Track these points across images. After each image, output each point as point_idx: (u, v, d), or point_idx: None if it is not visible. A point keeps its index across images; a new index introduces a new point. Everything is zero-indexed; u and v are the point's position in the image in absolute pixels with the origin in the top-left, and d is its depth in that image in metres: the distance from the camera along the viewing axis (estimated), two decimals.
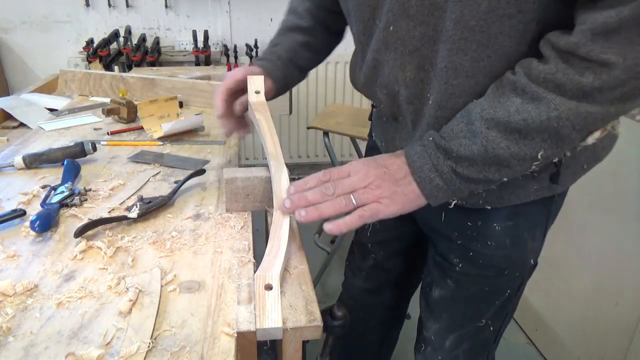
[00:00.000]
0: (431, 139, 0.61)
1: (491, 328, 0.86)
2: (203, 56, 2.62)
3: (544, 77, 0.52)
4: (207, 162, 0.99)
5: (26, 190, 0.84)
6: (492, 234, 0.73)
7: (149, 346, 0.51)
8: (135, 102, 1.21)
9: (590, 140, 0.58)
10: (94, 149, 0.98)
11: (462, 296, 0.82)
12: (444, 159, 0.60)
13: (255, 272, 0.61)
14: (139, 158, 1.00)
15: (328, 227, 0.63)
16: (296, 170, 3.00)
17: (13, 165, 0.92)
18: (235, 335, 0.53)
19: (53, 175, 0.91)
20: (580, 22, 0.49)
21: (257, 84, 0.96)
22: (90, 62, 2.50)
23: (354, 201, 0.62)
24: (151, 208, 0.77)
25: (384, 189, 0.62)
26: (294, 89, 2.32)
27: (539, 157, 0.56)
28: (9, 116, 1.27)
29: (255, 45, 2.74)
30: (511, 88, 0.55)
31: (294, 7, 0.94)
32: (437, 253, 0.83)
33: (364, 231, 0.97)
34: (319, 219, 0.63)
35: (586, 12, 0.49)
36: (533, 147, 0.55)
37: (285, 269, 0.65)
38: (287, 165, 0.77)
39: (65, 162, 0.90)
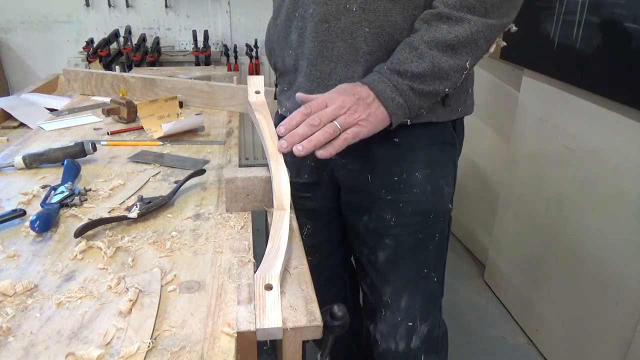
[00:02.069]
0: (385, 67, 0.75)
1: (435, 279, 0.98)
2: (203, 56, 2.62)
3: (460, 4, 0.72)
4: (207, 162, 0.99)
5: (26, 190, 0.84)
6: (416, 182, 0.87)
7: (149, 346, 0.50)
8: (135, 102, 1.21)
9: (492, 49, 0.78)
10: (94, 149, 0.98)
11: (401, 250, 0.93)
12: (402, 79, 0.73)
13: (255, 272, 0.61)
14: (139, 158, 1.00)
15: (320, 152, 0.71)
16: None
17: (13, 165, 0.92)
18: (235, 335, 0.53)
19: (53, 175, 0.91)
20: None
21: (257, 84, 0.96)
22: (90, 62, 2.50)
23: (338, 126, 0.71)
24: (151, 208, 0.77)
25: (360, 112, 0.72)
26: None
27: (467, 65, 0.75)
28: (9, 116, 1.27)
29: (255, 45, 2.74)
30: (436, 18, 0.73)
31: None
32: (372, 219, 0.92)
33: (301, 235, 1.07)
34: (315, 148, 0.71)
35: None
36: (462, 59, 0.74)
37: (285, 269, 0.65)
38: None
39: (65, 162, 0.90)
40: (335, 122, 0.71)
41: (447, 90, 0.76)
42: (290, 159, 1.01)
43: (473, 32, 0.72)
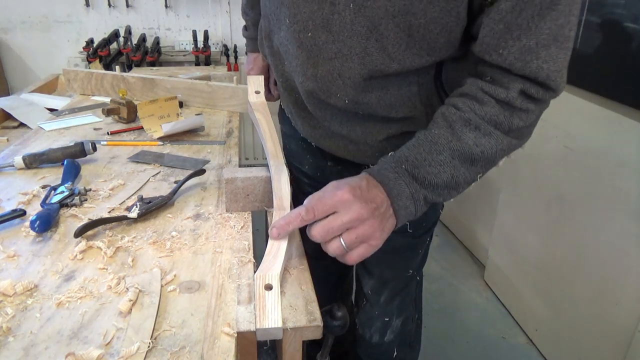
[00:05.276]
0: (403, 167, 0.64)
1: (418, 278, 1.00)
2: (203, 56, 2.62)
3: (489, 117, 0.64)
4: (207, 162, 0.99)
5: (26, 190, 0.84)
6: None
7: (149, 346, 0.51)
8: (135, 102, 1.21)
9: (501, 163, 0.72)
10: (94, 149, 0.98)
11: (390, 249, 0.87)
12: (419, 188, 0.64)
13: (255, 272, 0.61)
14: (139, 158, 1.00)
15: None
16: None
17: (13, 165, 0.92)
18: (235, 335, 0.53)
19: (53, 175, 0.91)
20: (511, 83, 0.63)
21: (257, 83, 0.96)
22: (90, 62, 2.50)
23: (344, 246, 0.60)
24: (151, 208, 0.77)
25: (375, 227, 0.61)
26: None
27: (478, 178, 0.68)
28: (9, 116, 1.27)
29: None
30: (463, 124, 0.65)
31: None
32: None
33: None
34: None
35: (516, 79, 0.63)
36: (476, 172, 0.67)
37: (285, 269, 0.65)
38: (286, 165, 0.77)
39: (65, 162, 0.90)
40: (341, 239, 0.60)
41: (451, 199, 0.70)
42: (292, 146, 1.02)
43: (497, 149, 0.65)
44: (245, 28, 1.11)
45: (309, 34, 0.70)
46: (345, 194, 0.60)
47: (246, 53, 1.17)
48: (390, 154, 0.68)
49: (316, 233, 0.60)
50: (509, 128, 0.65)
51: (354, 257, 0.61)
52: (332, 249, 0.60)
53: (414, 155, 0.65)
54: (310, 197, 0.62)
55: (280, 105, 1.03)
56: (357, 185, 0.61)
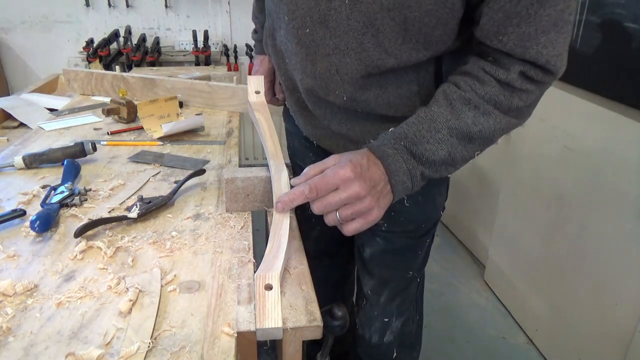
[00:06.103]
0: (402, 143, 0.66)
1: (418, 279, 1.00)
2: (203, 56, 2.62)
3: (489, 97, 0.65)
4: (207, 162, 0.99)
5: (26, 190, 0.84)
6: None
7: (149, 346, 0.51)
8: (135, 102, 1.21)
9: (499, 141, 0.73)
10: (94, 149, 0.98)
11: (390, 250, 0.93)
12: (417, 164, 0.67)
13: (255, 272, 0.61)
14: (139, 158, 1.00)
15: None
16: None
17: (13, 165, 0.92)
18: (235, 335, 0.53)
19: (53, 175, 0.91)
20: (512, 64, 0.64)
21: (257, 83, 0.96)
22: (90, 62, 2.50)
23: (338, 219, 0.65)
24: (151, 208, 0.77)
25: (372, 203, 0.64)
26: None
27: (475, 155, 0.70)
28: (9, 116, 1.27)
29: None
30: (463, 102, 0.66)
31: None
32: None
33: (307, 210, 1.06)
34: None
35: (517, 61, 0.64)
36: (474, 150, 0.69)
37: (285, 269, 0.65)
38: (286, 165, 0.77)
39: (65, 162, 0.90)
40: (337, 213, 0.65)
41: (448, 175, 0.73)
42: (296, 145, 1.02)
43: (496, 129, 0.67)
44: (255, 31, 1.12)
45: (307, 30, 0.71)
46: (348, 172, 0.63)
47: (252, 56, 1.18)
48: (390, 129, 0.70)
49: (316, 207, 0.65)
50: (509, 107, 0.66)
51: (349, 229, 0.66)
52: (328, 220, 0.66)
53: (413, 132, 0.67)
54: (311, 167, 0.67)
55: (285, 104, 1.03)
56: (358, 163, 0.64)
